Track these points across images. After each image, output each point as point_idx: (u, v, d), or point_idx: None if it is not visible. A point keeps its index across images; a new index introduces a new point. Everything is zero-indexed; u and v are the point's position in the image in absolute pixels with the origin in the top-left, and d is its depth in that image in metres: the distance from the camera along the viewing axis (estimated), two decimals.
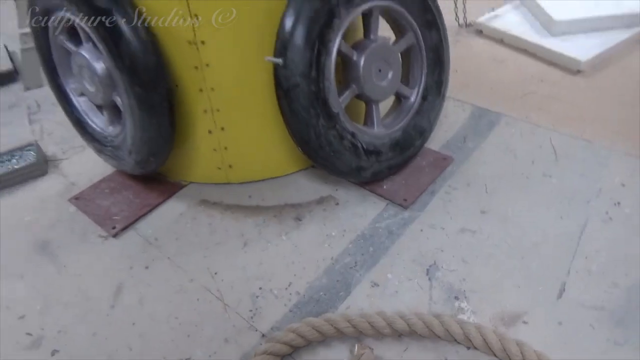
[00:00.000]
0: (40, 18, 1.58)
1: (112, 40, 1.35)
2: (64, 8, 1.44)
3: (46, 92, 2.46)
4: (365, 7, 1.43)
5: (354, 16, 1.42)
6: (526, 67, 2.22)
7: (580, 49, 2.16)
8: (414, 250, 1.46)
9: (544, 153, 1.75)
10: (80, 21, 1.42)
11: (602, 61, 2.15)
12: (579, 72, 2.12)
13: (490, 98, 2.03)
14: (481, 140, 1.83)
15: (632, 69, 2.13)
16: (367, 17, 1.50)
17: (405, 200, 1.60)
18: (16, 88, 2.53)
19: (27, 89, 2.50)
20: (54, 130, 2.20)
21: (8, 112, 2.36)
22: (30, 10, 1.61)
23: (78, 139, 2.05)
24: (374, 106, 1.60)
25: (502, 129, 1.88)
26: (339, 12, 1.35)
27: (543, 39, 2.28)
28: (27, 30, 2.31)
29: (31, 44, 2.35)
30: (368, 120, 1.62)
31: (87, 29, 1.42)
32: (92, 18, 1.35)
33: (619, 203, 1.54)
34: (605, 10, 2.32)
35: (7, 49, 2.78)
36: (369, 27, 1.52)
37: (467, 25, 2.53)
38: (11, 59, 2.68)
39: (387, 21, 1.62)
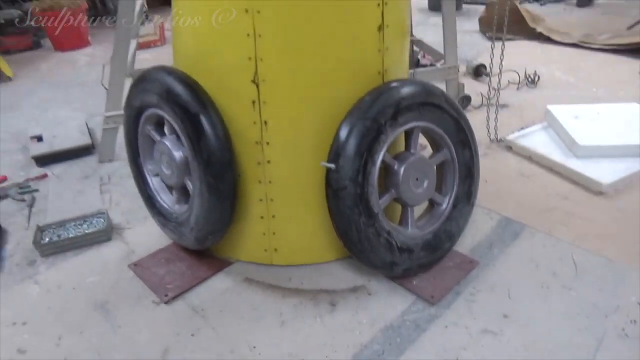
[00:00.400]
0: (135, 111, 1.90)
1: (196, 137, 1.63)
2: (159, 107, 1.75)
3: (117, 167, 2.79)
4: (408, 126, 1.69)
5: (398, 133, 1.68)
6: (551, 184, 2.41)
7: (603, 172, 2.34)
8: (438, 346, 1.58)
9: (565, 266, 1.88)
10: (171, 118, 1.72)
11: (623, 185, 2.32)
12: (601, 193, 2.28)
13: (516, 210, 2.20)
14: (506, 248, 1.99)
15: None
16: (408, 134, 1.76)
17: (432, 297, 1.74)
18: (91, 161, 2.88)
19: (101, 162, 2.84)
20: (120, 201, 2.48)
21: (83, 181, 2.68)
22: (127, 102, 1.94)
23: (141, 212, 2.31)
24: (409, 209, 1.81)
25: (525, 240, 2.03)
26: (386, 129, 1.61)
27: (568, 159, 2.49)
28: (112, 113, 2.68)
29: (112, 125, 2.73)
30: (403, 221, 1.82)
31: (175, 125, 1.71)
32: (183, 118, 1.65)
33: (635, 321, 1.63)
34: (627, 140, 2.52)
35: (87, 126, 3.18)
36: (410, 142, 1.77)
37: (498, 140, 2.78)
38: (89, 135, 3.06)
39: (426, 138, 1.87)
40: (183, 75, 1.71)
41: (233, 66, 1.64)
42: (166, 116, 1.74)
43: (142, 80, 1.81)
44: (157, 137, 1.89)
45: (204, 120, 1.62)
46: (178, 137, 1.78)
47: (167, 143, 1.81)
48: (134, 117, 1.92)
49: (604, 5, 5.61)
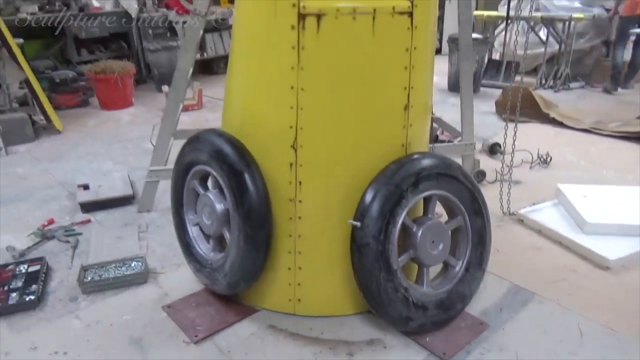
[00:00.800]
0: (184, 167, 2.15)
1: (239, 192, 1.86)
2: (207, 164, 1.99)
3: (154, 217, 3.01)
4: (426, 193, 1.89)
5: (418, 199, 1.88)
6: (560, 257, 2.55)
7: (609, 248, 2.48)
8: None
9: (571, 334, 1.99)
10: (218, 175, 1.95)
11: (629, 262, 2.45)
12: (607, 268, 2.41)
13: (526, 278, 2.34)
14: (515, 314, 2.11)
15: None
16: (427, 200, 1.96)
17: (444, 354, 1.86)
18: (132, 210, 3.11)
19: (140, 212, 3.07)
20: (156, 248, 2.68)
21: (123, 228, 2.90)
22: (178, 159, 2.19)
23: (175, 259, 2.51)
24: (425, 269, 1.97)
25: (534, 307, 2.15)
26: (407, 195, 1.82)
27: (576, 235, 2.64)
28: (156, 168, 2.95)
29: (155, 178, 2.98)
30: (419, 280, 1.98)
31: (220, 180, 1.95)
32: (229, 174, 1.88)
33: None
34: (633, 220, 2.67)
35: (129, 178, 3.46)
36: (428, 208, 1.96)
37: (511, 214, 2.95)
38: (131, 186, 3.33)
39: (442, 205, 2.06)
40: (231, 137, 1.96)
41: (276, 133, 1.89)
42: (213, 172, 1.98)
43: (195, 140, 2.07)
44: (201, 190, 2.13)
45: (247, 178, 1.86)
46: (220, 191, 2.01)
47: (211, 196, 2.04)
48: (182, 172, 2.17)
49: (618, 95, 5.92)
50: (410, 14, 1.81)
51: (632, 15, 5.71)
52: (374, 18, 1.76)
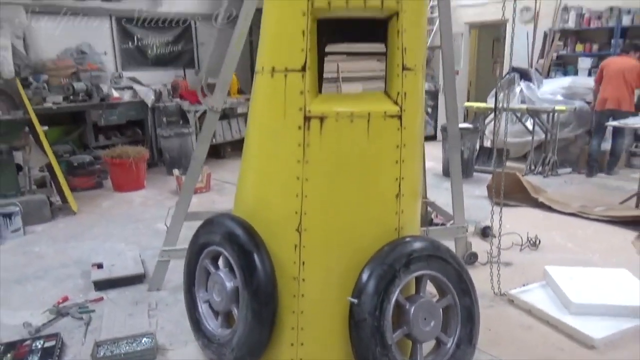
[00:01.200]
0: (198, 247, 2.37)
1: (248, 271, 2.06)
2: (220, 245, 2.22)
3: (163, 296, 3.18)
4: (418, 273, 2.09)
5: (410, 279, 2.08)
6: (548, 335, 2.68)
7: (594, 328, 2.62)
8: None
9: None
10: (229, 255, 2.17)
11: (614, 341, 2.57)
12: (593, 347, 2.54)
13: (516, 356, 2.46)
14: None
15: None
16: (418, 280, 2.15)
17: None
18: (142, 288, 3.28)
19: (150, 290, 3.24)
20: (165, 325, 2.82)
21: (134, 306, 3.05)
22: (193, 240, 2.42)
23: (183, 336, 2.66)
24: (418, 345, 2.12)
25: None
26: (400, 275, 2.02)
27: (563, 315, 2.78)
28: (168, 248, 3.16)
29: (166, 258, 3.18)
30: (413, 356, 2.12)
31: (231, 260, 2.16)
32: (239, 254, 2.10)
33: None
34: (616, 300, 2.83)
35: (140, 257, 3.65)
36: (420, 287, 2.15)
37: (502, 294, 3.10)
38: (142, 266, 3.51)
39: (433, 284, 2.25)
40: (242, 221, 2.20)
41: (283, 217, 2.13)
42: (225, 252, 2.19)
43: (209, 223, 2.31)
44: (212, 269, 2.33)
45: (256, 258, 2.07)
46: (231, 270, 2.21)
47: (222, 275, 2.24)
48: (196, 252, 2.38)
49: (604, 180, 6.23)
50: (400, 117, 2.12)
51: (603, 110, 6.21)
52: (368, 121, 2.07)
